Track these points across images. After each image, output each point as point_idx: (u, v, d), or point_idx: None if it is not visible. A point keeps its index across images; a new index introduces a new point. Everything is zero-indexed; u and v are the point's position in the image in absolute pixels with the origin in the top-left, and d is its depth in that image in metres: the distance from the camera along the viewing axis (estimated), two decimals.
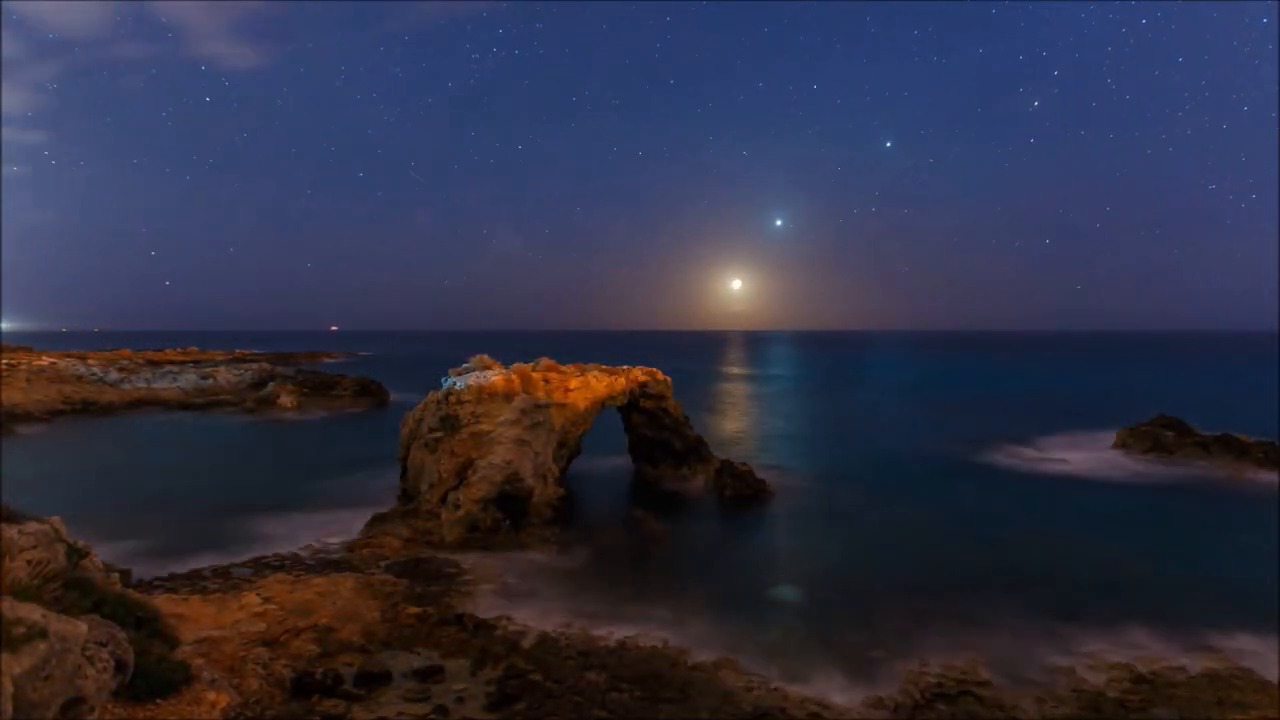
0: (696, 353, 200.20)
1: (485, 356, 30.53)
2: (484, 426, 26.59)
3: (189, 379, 69.98)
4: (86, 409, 58.62)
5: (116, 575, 11.17)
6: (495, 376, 28.04)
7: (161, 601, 15.53)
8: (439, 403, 27.85)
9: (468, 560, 21.91)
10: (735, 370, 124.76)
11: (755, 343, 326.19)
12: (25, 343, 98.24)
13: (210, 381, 70.87)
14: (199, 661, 9.20)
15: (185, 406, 63.47)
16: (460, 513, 23.96)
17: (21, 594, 6.16)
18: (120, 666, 6.79)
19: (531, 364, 30.91)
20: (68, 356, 69.93)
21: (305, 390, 64.13)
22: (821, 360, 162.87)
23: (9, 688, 4.82)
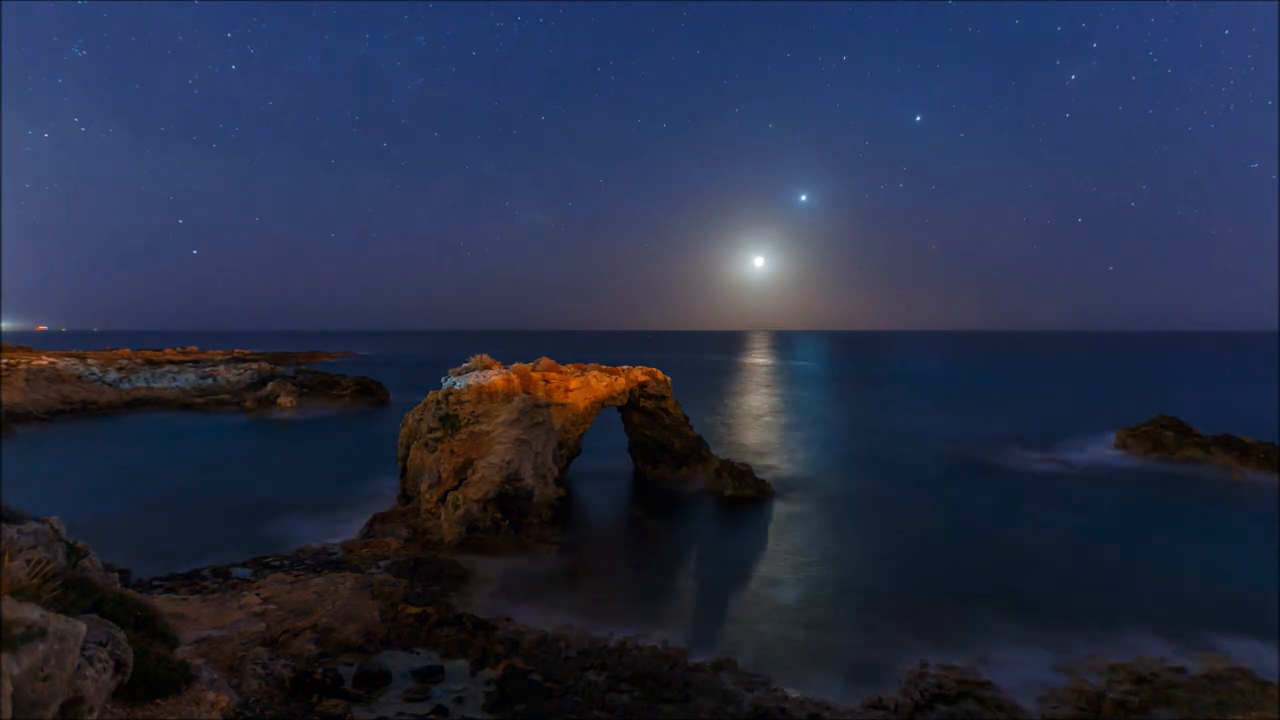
0: (705, 352, 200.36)
1: (485, 356, 30.50)
2: (484, 426, 26.58)
3: (188, 379, 69.94)
4: (86, 409, 58.60)
5: (116, 575, 11.15)
6: (495, 376, 28.03)
7: (161, 601, 15.53)
8: (439, 403, 27.84)
9: (467, 560, 21.91)
10: (740, 369, 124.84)
11: (764, 342, 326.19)
12: (25, 343, 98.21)
13: (209, 381, 70.84)
14: (199, 661, 9.18)
15: (185, 406, 63.43)
16: (460, 513, 23.95)
17: (21, 594, 6.14)
18: (120, 666, 6.77)
19: (531, 364, 30.90)
20: (67, 356, 69.88)
21: (304, 390, 64.15)
22: (828, 360, 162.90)
23: (8, 688, 4.80)
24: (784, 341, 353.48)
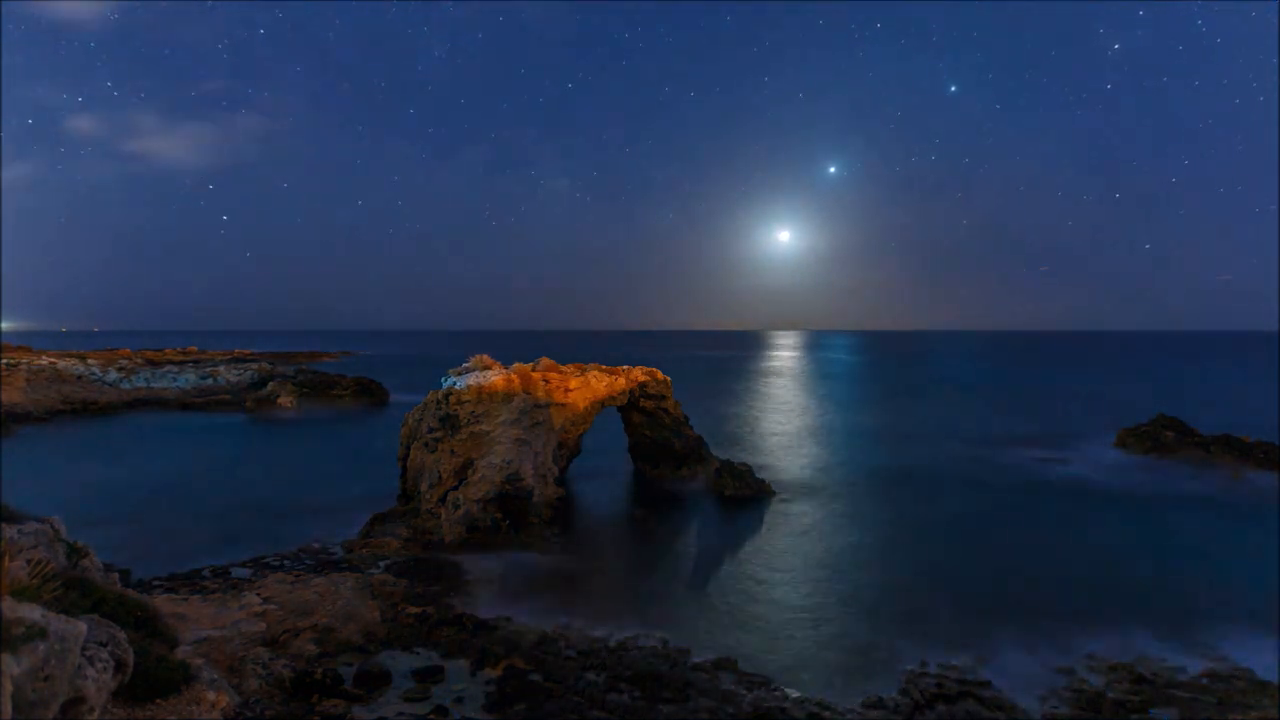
0: (717, 350, 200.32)
1: (485, 356, 30.50)
2: (484, 426, 26.58)
3: (188, 379, 69.96)
4: (86, 409, 58.61)
5: (116, 575, 11.16)
6: (495, 376, 28.03)
7: (161, 601, 15.53)
8: (439, 403, 27.84)
9: (468, 560, 21.92)
10: (744, 368, 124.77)
11: (776, 342, 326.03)
12: (25, 343, 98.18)
13: (210, 381, 70.85)
14: (199, 661, 9.19)
15: (185, 406, 63.46)
16: (460, 512, 23.96)
17: (21, 594, 6.15)
18: (120, 666, 6.77)
19: (531, 364, 30.89)
20: (67, 356, 69.89)
21: (305, 390, 64.11)
22: (834, 361, 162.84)
23: (9, 688, 4.81)
24: (796, 341, 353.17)
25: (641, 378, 34.11)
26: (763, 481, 31.54)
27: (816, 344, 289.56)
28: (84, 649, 6.04)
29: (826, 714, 13.22)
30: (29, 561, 7.73)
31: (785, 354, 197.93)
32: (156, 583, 18.97)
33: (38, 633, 5.23)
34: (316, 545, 23.37)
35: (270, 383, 65.09)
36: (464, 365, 29.95)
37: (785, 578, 21.13)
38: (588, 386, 31.67)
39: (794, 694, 13.95)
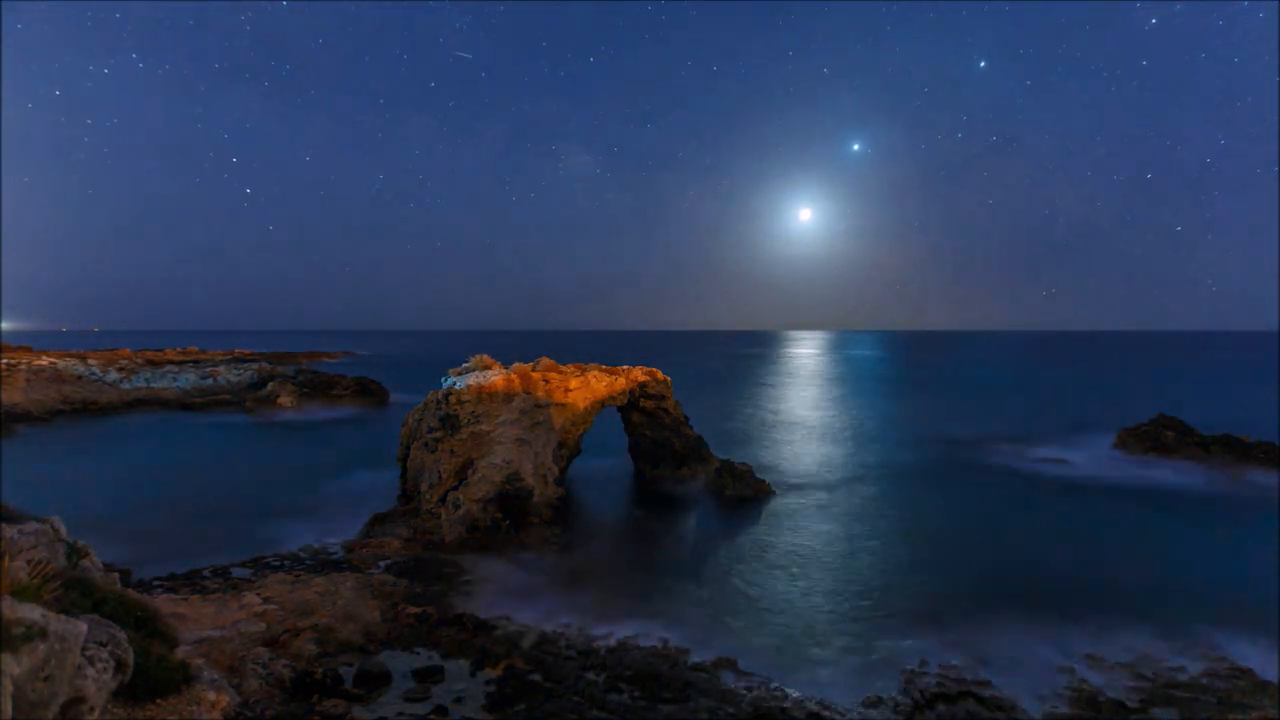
0: (729, 350, 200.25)
1: (485, 356, 30.51)
2: (484, 426, 26.58)
3: (188, 379, 69.93)
4: (86, 409, 58.59)
5: (116, 575, 11.15)
6: (495, 376, 28.03)
7: (161, 601, 15.53)
8: (439, 403, 27.85)
9: (468, 560, 21.92)
10: (746, 367, 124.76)
11: (797, 342, 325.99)
12: (25, 343, 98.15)
13: (210, 381, 70.83)
14: (199, 661, 9.18)
15: (185, 406, 63.43)
16: (460, 512, 23.96)
17: (21, 594, 6.14)
18: (120, 666, 6.77)
19: (531, 364, 30.89)
20: (68, 356, 69.87)
21: (305, 390, 64.10)
22: (848, 361, 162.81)
23: (9, 687, 4.81)
24: (819, 341, 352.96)
25: (641, 378, 34.11)
26: (763, 481, 31.54)
27: (839, 344, 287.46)
28: (84, 649, 6.04)
29: (826, 714, 13.22)
30: (29, 561, 7.73)
31: (804, 353, 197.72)
32: (156, 583, 18.98)
33: (38, 633, 5.23)
34: (317, 545, 23.37)
35: (270, 383, 65.08)
36: (464, 365, 29.96)
37: (785, 578, 21.13)
38: (588, 386, 31.67)
39: (794, 694, 13.95)
